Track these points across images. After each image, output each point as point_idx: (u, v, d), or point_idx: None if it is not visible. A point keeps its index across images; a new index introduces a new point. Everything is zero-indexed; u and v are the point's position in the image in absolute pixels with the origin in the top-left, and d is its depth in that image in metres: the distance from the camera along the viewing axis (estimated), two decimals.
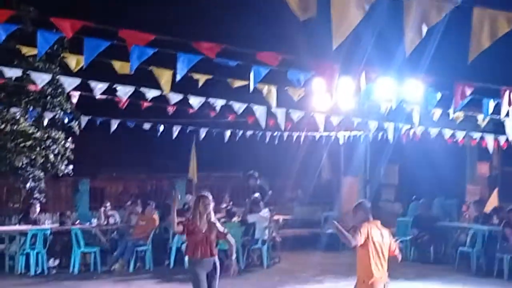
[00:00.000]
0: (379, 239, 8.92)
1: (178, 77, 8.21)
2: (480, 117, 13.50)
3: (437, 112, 12.78)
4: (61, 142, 18.92)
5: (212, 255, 10.14)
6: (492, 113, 11.57)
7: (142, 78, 10.13)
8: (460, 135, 16.66)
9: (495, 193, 19.47)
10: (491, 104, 11.31)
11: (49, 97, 18.45)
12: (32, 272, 16.81)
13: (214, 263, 10.20)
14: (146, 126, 17.78)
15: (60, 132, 18.99)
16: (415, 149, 21.30)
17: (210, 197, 10.49)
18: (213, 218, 10.37)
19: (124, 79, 11.06)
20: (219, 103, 12.87)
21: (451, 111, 10.44)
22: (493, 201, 19.40)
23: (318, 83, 12.58)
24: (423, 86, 9.36)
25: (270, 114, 13.04)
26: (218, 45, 7.58)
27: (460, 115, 12.94)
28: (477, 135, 17.10)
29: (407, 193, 22.85)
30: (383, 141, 20.74)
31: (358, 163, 24.11)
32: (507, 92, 9.81)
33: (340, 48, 5.29)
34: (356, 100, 12.25)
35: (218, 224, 10.37)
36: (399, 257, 9.41)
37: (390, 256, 9.27)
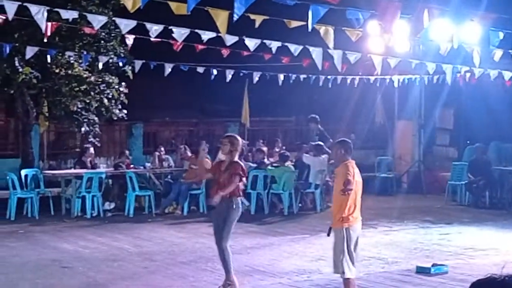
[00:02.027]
0: (358, 178, 8.75)
1: (236, 17, 8.07)
2: None
3: (498, 53, 12.43)
4: (115, 86, 18.95)
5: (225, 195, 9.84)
6: None
7: (198, 19, 10.03)
8: None
9: None
10: None
11: (102, 42, 18.43)
12: (88, 215, 17.05)
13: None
14: (200, 69, 17.68)
15: (114, 77, 19.01)
16: (471, 93, 20.96)
17: (231, 139, 10.06)
18: (235, 159, 10.06)
19: (180, 21, 10.97)
20: (274, 44, 12.69)
21: None
22: None
23: (373, 25, 12.44)
24: (484, 25, 9.04)
25: (325, 57, 12.84)
26: None
27: None
28: None
29: (462, 137, 22.58)
30: (438, 85, 20.44)
31: (412, 107, 23.79)
32: None
33: None
34: (415, 40, 12.00)
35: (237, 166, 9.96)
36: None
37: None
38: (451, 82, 17.92)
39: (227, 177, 9.86)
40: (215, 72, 18.03)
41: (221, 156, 10.31)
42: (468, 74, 18.34)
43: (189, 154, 18.71)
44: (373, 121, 25.07)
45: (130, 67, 18.34)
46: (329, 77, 19.58)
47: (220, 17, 9.32)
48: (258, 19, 10.40)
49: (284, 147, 20.47)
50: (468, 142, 21.67)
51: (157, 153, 19.29)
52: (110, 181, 18.19)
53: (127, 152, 19.21)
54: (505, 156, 20.91)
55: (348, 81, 20.41)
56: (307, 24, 9.29)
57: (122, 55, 18.49)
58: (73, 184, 17.37)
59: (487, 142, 20.55)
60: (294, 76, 19.39)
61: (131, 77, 18.98)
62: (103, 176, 17.56)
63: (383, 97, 24.20)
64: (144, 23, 11.26)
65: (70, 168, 18.58)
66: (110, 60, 18.13)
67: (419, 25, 8.15)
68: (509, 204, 18.39)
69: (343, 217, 8.63)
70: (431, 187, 21.85)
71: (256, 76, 18.80)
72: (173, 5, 9.59)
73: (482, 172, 19.22)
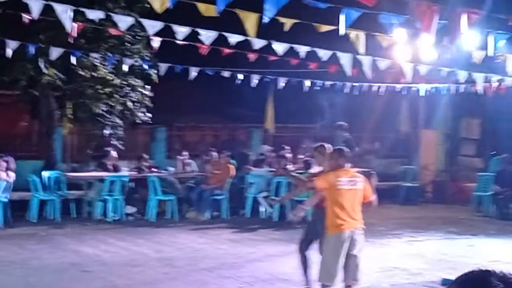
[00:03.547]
0: (348, 186, 8.56)
1: (266, 19, 7.89)
2: None
3: None
4: (139, 89, 18.91)
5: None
6: None
7: (226, 22, 9.87)
8: None
9: None
10: None
11: (128, 44, 18.39)
12: (109, 219, 16.98)
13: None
14: (226, 74, 17.55)
15: (138, 80, 18.97)
16: (498, 102, 20.65)
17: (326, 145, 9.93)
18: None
19: (207, 23, 10.84)
20: (303, 49, 12.51)
21: None
22: None
23: (401, 31, 12.24)
24: None
25: (353, 63, 12.64)
26: None
27: None
28: None
29: (489, 148, 22.29)
30: (464, 94, 20.18)
31: (438, 116, 23.58)
32: None
33: None
34: (446, 48, 11.80)
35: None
36: (374, 204, 8.94)
37: (365, 204, 8.84)
38: (476, 92, 17.65)
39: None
40: (240, 76, 17.86)
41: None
42: (495, 84, 18.03)
43: (214, 158, 18.61)
44: (398, 130, 24.82)
45: (155, 71, 18.28)
46: (355, 84, 19.38)
47: (249, 20, 9.16)
48: (288, 22, 10.23)
49: (308, 154, 20.28)
50: (494, 152, 21.40)
51: (181, 158, 19.18)
52: (132, 184, 18.09)
53: (145, 156, 19.07)
54: None
55: (375, 88, 20.19)
56: (336, 29, 9.11)
57: (147, 58, 18.44)
58: (95, 187, 17.31)
59: None
60: (320, 82, 19.21)
61: (156, 80, 18.93)
62: (126, 179, 17.48)
63: (408, 105, 23.96)
64: (171, 25, 11.13)
65: (93, 171, 18.51)
66: (135, 63, 18.08)
67: (456, 31, 7.88)
68: None
69: (328, 224, 8.65)
70: (456, 198, 21.65)
71: (281, 82, 18.66)
72: (201, 7, 9.44)
73: (508, 184, 18.97)
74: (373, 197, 8.92)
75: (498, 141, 21.74)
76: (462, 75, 14.65)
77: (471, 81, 16.70)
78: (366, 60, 12.42)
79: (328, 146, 9.80)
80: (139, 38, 18.19)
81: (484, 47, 10.43)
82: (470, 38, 9.67)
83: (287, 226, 17.00)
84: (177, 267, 12.11)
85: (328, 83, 19.22)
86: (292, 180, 11.77)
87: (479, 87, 15.57)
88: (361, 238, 8.72)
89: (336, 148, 9.18)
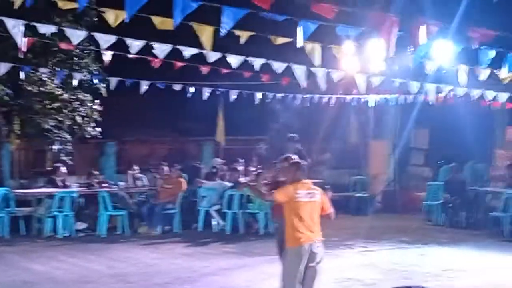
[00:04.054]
0: (307, 199, 8.65)
1: (223, 32, 7.86)
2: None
3: (485, 73, 12.29)
4: (88, 104, 18.75)
5: None
6: None
7: (180, 35, 9.79)
8: (503, 97, 15.92)
9: None
10: None
11: (76, 58, 18.24)
12: (59, 235, 16.74)
13: None
14: (177, 87, 17.46)
15: (87, 94, 18.82)
16: (446, 113, 20.93)
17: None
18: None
19: (161, 37, 10.75)
20: (258, 62, 12.48)
21: (503, 70, 9.93)
22: None
23: (353, 44, 12.29)
24: (475, 44, 8.89)
25: (308, 75, 12.64)
26: None
27: (509, 76, 12.44)
28: None
29: (437, 157, 22.53)
30: (413, 104, 20.39)
31: (387, 127, 23.82)
32: None
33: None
34: (392, 59, 11.90)
35: None
36: (332, 216, 9.08)
37: (323, 216, 8.90)
38: (425, 102, 17.81)
39: None
40: (192, 90, 17.79)
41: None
42: (442, 94, 18.21)
43: (165, 172, 18.50)
44: (348, 140, 24.98)
45: (104, 85, 18.14)
46: (306, 96, 19.45)
47: (205, 33, 9.11)
48: (243, 35, 10.21)
49: (260, 166, 20.28)
50: (441, 161, 21.66)
51: (131, 172, 19.00)
52: (82, 200, 17.86)
53: (95, 172, 18.85)
54: (480, 176, 20.92)
55: (325, 100, 20.30)
56: (292, 41, 9.13)
57: (96, 72, 18.30)
58: (45, 203, 17.06)
59: (462, 162, 20.56)
60: (271, 95, 19.23)
61: (104, 94, 18.80)
62: (75, 195, 17.27)
63: (357, 116, 24.14)
64: (125, 38, 11.03)
65: (42, 187, 18.23)
66: (84, 78, 17.92)
67: (414, 42, 7.93)
68: (485, 224, 18.33)
69: (287, 237, 8.70)
70: (406, 207, 21.85)
71: (233, 95, 18.65)
72: (156, 20, 9.37)
73: (457, 192, 19.20)
74: (331, 210, 8.98)
75: (446, 150, 22.00)
76: (414, 86, 14.78)
77: (422, 92, 16.88)
78: (320, 72, 12.46)
79: (294, 157, 9.85)
80: (87, 52, 18.05)
81: (441, 58, 10.54)
82: (428, 49, 9.75)
83: (240, 239, 16.98)
84: (130, 283, 11.95)
85: (279, 95, 19.25)
86: (253, 193, 11.78)
87: (431, 97, 15.72)
88: (320, 250, 8.73)
89: (293, 162, 9.17)
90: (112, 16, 9.09)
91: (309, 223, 8.62)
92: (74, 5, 8.64)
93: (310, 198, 8.66)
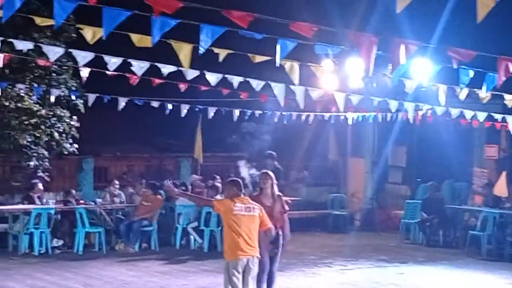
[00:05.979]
0: (245, 212, 9.18)
1: (202, 50, 7.86)
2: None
3: (464, 92, 12.33)
4: (66, 120, 18.65)
5: (276, 228, 10.47)
6: None
7: (158, 53, 9.79)
8: (481, 116, 15.95)
9: (503, 176, 19.18)
10: None
11: (54, 74, 18.16)
12: (36, 252, 16.61)
13: (277, 234, 10.70)
14: (155, 104, 17.42)
15: (65, 110, 18.73)
16: (424, 131, 21.02)
17: (270, 174, 11.29)
18: (277, 192, 11.14)
19: (139, 54, 10.72)
20: (236, 79, 12.50)
21: (483, 90, 9.97)
22: (501, 184, 19.13)
23: (331, 62, 12.32)
24: (455, 63, 8.92)
25: (286, 93, 12.65)
26: (250, 14, 7.21)
27: (488, 95, 12.50)
28: (498, 116, 16.35)
29: (415, 175, 22.59)
30: (390, 122, 20.45)
31: (365, 145, 23.88)
32: None
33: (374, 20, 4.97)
34: (370, 78, 11.95)
35: (283, 199, 11.16)
36: (271, 232, 9.79)
37: (263, 231, 9.56)
38: (403, 120, 17.81)
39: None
40: (170, 106, 17.77)
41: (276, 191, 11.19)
42: (421, 112, 18.23)
43: (142, 189, 18.41)
44: (326, 158, 24.98)
45: (82, 101, 18.09)
46: (285, 113, 19.46)
47: (183, 51, 9.11)
48: (222, 53, 10.23)
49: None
50: (419, 179, 21.72)
51: (110, 188, 18.85)
52: (59, 217, 17.71)
53: (73, 191, 18.70)
54: (458, 194, 20.98)
55: (303, 117, 20.32)
56: (272, 59, 9.19)
57: (74, 88, 18.22)
58: (21, 220, 16.90)
59: (440, 181, 20.61)
60: (249, 112, 19.23)
61: (82, 110, 18.73)
62: (52, 212, 17.13)
63: (336, 134, 24.16)
64: (103, 55, 10.98)
65: (18, 203, 18.07)
66: (62, 94, 17.84)
67: (393, 62, 7.95)
68: (463, 243, 18.37)
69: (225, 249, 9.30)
70: (384, 225, 21.87)
71: (211, 112, 18.67)
72: (134, 37, 9.34)
73: (435, 210, 19.24)
74: (270, 225, 9.51)
75: (424, 168, 22.07)
76: (393, 104, 14.82)
77: (401, 110, 16.91)
78: (299, 90, 12.48)
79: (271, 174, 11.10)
80: (65, 68, 17.97)
81: (420, 76, 10.60)
82: (407, 68, 9.80)
83: (217, 256, 16.89)
84: None
85: (258, 112, 19.25)
86: (185, 198, 12.37)
87: (410, 116, 15.77)
88: (256, 265, 9.32)
89: (230, 180, 9.84)
90: (90, 33, 9.07)
91: (247, 237, 9.09)
92: (51, 22, 8.62)
93: (248, 212, 9.18)
